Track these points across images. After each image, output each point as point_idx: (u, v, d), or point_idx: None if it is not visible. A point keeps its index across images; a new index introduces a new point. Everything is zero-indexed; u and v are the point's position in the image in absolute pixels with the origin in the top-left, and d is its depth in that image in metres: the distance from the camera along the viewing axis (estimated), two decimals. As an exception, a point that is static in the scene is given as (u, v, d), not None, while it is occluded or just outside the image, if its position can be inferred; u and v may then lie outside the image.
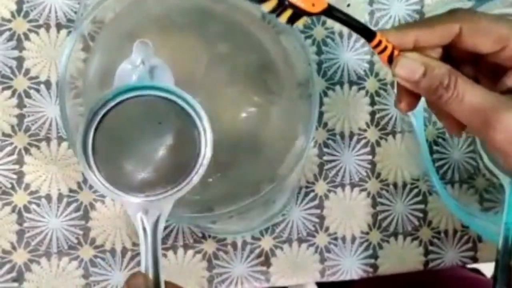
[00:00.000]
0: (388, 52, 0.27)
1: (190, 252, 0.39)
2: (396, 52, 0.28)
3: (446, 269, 0.43)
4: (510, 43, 0.27)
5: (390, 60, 0.28)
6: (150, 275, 0.27)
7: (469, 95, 0.26)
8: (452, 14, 0.28)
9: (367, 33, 0.28)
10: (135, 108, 0.26)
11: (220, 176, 0.36)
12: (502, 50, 0.27)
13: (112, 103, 0.26)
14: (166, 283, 0.28)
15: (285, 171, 0.35)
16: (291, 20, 0.27)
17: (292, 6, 0.26)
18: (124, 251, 0.38)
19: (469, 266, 0.54)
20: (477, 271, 0.56)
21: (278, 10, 0.26)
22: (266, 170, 0.37)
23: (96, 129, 0.26)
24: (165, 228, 0.39)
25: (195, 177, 0.27)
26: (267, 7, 0.26)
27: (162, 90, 0.26)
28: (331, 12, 0.27)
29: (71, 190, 0.38)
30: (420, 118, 0.37)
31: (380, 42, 0.27)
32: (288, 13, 0.27)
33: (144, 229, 0.27)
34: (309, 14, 0.27)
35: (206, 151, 0.27)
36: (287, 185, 0.35)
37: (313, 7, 0.27)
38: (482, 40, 0.27)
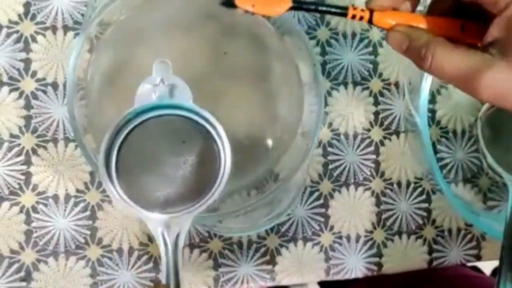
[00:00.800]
0: (366, 18, 0.28)
1: (196, 251, 0.39)
2: (375, 15, 0.28)
3: (447, 267, 0.44)
4: None
5: (371, 22, 0.29)
6: (172, 286, 0.27)
7: (448, 63, 0.26)
8: None
9: (340, 13, 0.29)
10: (157, 126, 0.27)
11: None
12: None
13: (135, 123, 0.26)
14: None
15: (289, 170, 0.36)
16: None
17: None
18: (131, 250, 0.39)
19: (469, 264, 0.55)
20: (477, 269, 0.56)
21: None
22: (269, 168, 0.37)
23: (119, 146, 0.26)
24: (172, 227, 0.39)
25: (216, 193, 0.27)
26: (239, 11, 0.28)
27: (182, 108, 0.27)
28: (299, 7, 0.28)
29: (78, 191, 0.38)
30: (424, 118, 0.37)
31: (354, 15, 0.28)
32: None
33: (166, 243, 0.27)
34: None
35: (226, 168, 0.27)
36: (292, 184, 0.36)
37: (277, 8, 0.28)
38: None
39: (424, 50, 0.27)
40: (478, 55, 0.26)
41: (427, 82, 0.37)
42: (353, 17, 0.29)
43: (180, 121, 0.27)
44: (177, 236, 0.27)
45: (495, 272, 0.51)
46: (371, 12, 0.28)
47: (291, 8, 0.28)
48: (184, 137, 0.27)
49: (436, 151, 0.42)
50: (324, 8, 0.28)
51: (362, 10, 0.28)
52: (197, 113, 0.27)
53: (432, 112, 0.42)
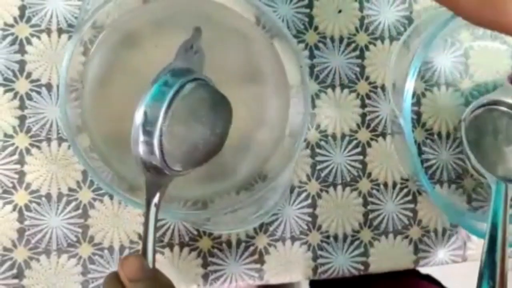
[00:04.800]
0: None
1: (186, 249, 0.40)
2: None
3: (398, 277, 0.44)
4: None
5: None
6: (150, 253, 0.30)
7: None
8: None
9: None
10: (194, 88, 0.32)
11: (214, 174, 0.37)
12: None
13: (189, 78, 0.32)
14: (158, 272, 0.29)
15: (277, 170, 0.37)
16: None
17: None
18: (122, 248, 0.39)
19: (423, 272, 0.54)
20: (430, 278, 0.55)
21: None
22: (257, 168, 0.38)
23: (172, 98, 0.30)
24: (162, 226, 0.40)
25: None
26: None
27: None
28: None
29: (70, 189, 0.39)
30: (408, 120, 0.38)
31: None
32: None
33: (155, 204, 0.30)
34: None
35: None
36: (279, 183, 0.36)
37: None
38: None
39: None
40: None
41: (411, 84, 0.38)
42: None
43: (210, 90, 0.32)
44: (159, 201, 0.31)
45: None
46: None
47: None
48: (210, 106, 0.32)
49: (421, 153, 0.43)
50: None
51: None
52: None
53: (418, 114, 0.43)
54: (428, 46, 0.36)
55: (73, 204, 0.39)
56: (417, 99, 0.43)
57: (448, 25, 0.36)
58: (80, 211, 0.39)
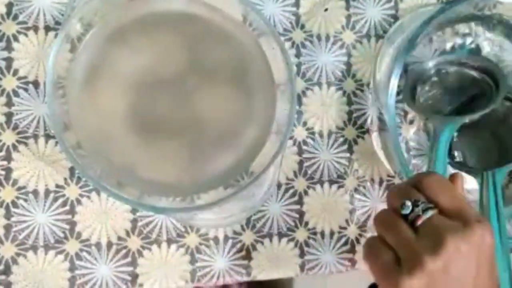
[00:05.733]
0: None
1: (174, 246, 0.40)
2: None
3: None
4: None
5: None
6: None
7: None
8: None
9: None
10: None
11: (201, 170, 0.38)
12: None
13: None
14: None
15: (263, 166, 0.37)
16: None
17: None
18: (109, 244, 0.40)
19: None
20: None
21: None
22: (244, 164, 0.38)
23: None
24: (149, 223, 0.40)
25: None
26: None
27: None
28: None
29: (57, 186, 0.39)
30: (392, 117, 0.38)
31: None
32: None
33: None
34: None
35: None
36: (265, 179, 0.37)
37: None
38: None
39: None
40: None
41: (395, 82, 0.38)
42: None
43: None
44: None
45: None
46: None
47: None
48: None
49: (409, 149, 0.43)
50: None
51: None
52: None
53: (405, 111, 0.44)
54: (411, 43, 0.37)
55: (60, 200, 0.39)
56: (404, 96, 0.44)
57: (431, 22, 0.37)
58: (67, 207, 0.39)
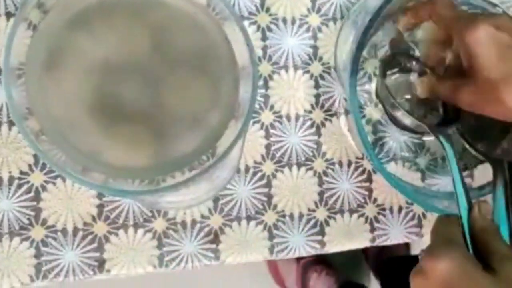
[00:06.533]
0: None
1: (141, 231, 0.40)
2: None
3: None
4: None
5: None
6: None
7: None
8: None
9: None
10: None
11: (166, 153, 0.38)
12: None
13: None
14: None
15: (227, 148, 0.37)
16: None
17: None
18: (75, 230, 0.39)
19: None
20: None
21: None
22: (209, 146, 0.38)
23: None
24: (116, 208, 0.40)
25: None
26: None
27: None
28: None
29: (22, 173, 0.39)
30: (354, 99, 0.38)
31: None
32: None
33: None
34: None
35: None
36: (229, 161, 0.37)
37: None
38: None
39: None
40: None
41: (356, 62, 0.38)
42: None
43: None
44: None
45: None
46: None
47: None
48: None
49: (376, 131, 0.44)
50: None
51: None
52: None
53: (370, 93, 0.44)
54: (372, 22, 0.37)
55: (25, 187, 0.39)
56: (369, 78, 0.44)
57: (392, 1, 0.37)
58: (32, 194, 0.39)
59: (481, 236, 0.31)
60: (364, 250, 1.05)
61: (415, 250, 1.04)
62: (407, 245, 1.06)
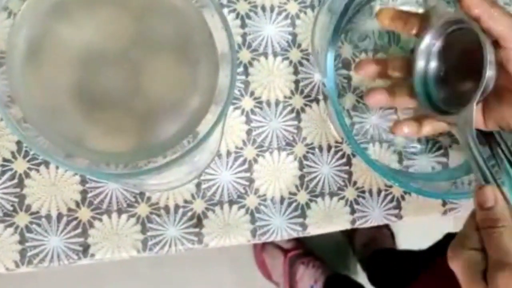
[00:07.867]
0: None
1: (124, 216, 0.41)
2: None
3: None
4: None
5: None
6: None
7: None
8: None
9: None
10: None
11: (147, 137, 0.38)
12: None
13: None
14: None
15: (206, 133, 0.38)
16: None
17: None
18: (59, 216, 0.40)
19: None
20: None
21: None
22: (189, 131, 0.39)
23: None
24: (99, 193, 0.41)
25: None
26: None
27: None
28: None
29: (5, 160, 0.39)
30: (331, 84, 0.39)
31: None
32: None
33: None
34: None
35: None
36: (208, 145, 0.37)
37: None
38: None
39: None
40: None
41: (332, 47, 0.39)
42: None
43: None
44: None
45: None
46: None
47: None
48: None
49: (351, 116, 0.45)
50: None
51: None
52: None
53: (348, 78, 0.45)
54: (347, 7, 0.38)
55: (8, 174, 0.39)
56: (346, 63, 0.45)
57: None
58: (15, 180, 0.39)
59: None
60: (351, 243, 1.07)
61: (401, 243, 1.06)
62: (393, 238, 1.08)
